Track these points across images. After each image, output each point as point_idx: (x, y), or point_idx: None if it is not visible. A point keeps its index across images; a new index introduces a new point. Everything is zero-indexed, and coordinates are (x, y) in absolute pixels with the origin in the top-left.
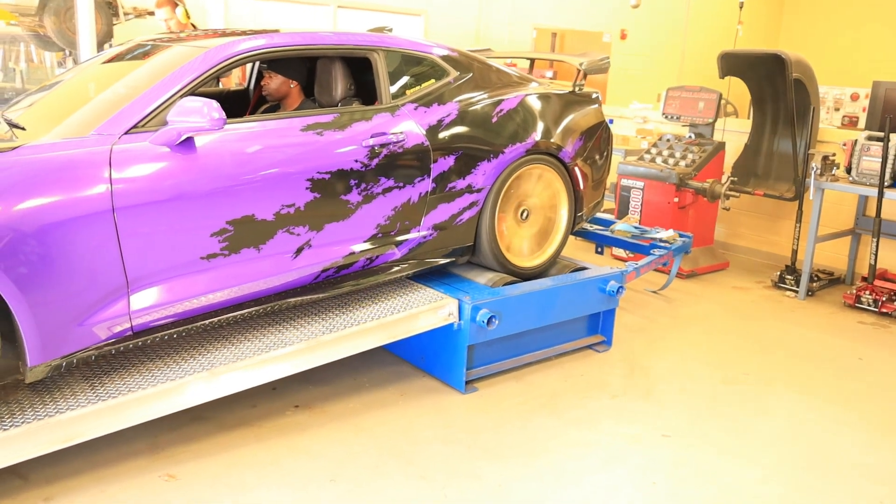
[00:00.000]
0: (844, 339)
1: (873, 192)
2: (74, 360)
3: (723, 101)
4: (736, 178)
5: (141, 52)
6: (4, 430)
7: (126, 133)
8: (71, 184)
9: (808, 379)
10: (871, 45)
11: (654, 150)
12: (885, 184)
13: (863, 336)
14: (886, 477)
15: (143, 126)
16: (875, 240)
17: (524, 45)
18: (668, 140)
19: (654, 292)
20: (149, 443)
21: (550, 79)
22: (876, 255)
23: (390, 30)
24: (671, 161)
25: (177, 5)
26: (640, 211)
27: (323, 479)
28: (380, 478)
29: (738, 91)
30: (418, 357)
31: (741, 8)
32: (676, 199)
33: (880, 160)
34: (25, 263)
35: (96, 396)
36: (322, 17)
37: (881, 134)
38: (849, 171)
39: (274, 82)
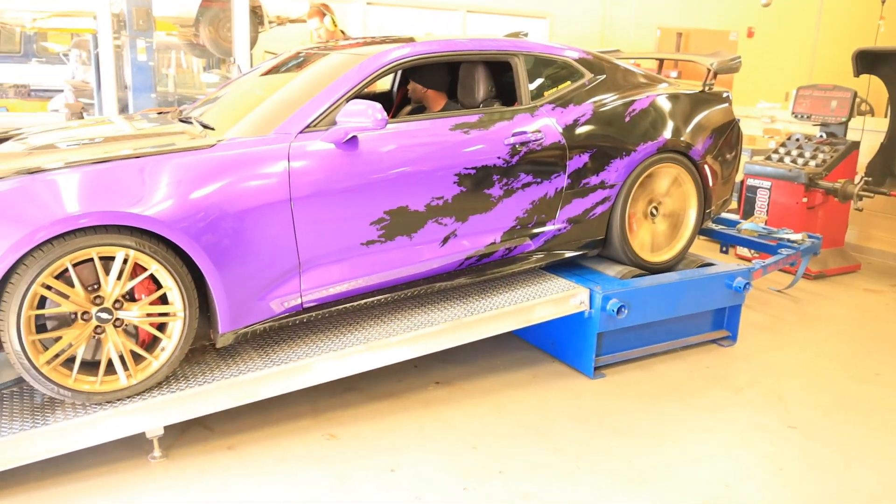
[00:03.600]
0: None
1: None
2: (255, 330)
3: (857, 100)
4: (870, 178)
5: (295, 63)
6: (200, 385)
7: (301, 132)
8: (258, 175)
9: None
10: None
11: (781, 150)
12: None
13: None
14: None
15: (314, 126)
16: None
17: (648, 45)
18: (798, 140)
19: (779, 291)
20: (310, 406)
21: (675, 78)
22: None
23: (526, 34)
24: (800, 161)
25: (325, 15)
26: (767, 211)
27: (465, 447)
28: (517, 447)
29: (875, 89)
30: (549, 343)
31: (884, 2)
32: (805, 200)
33: None
34: (222, 242)
35: (271, 361)
36: (453, 21)
37: None
38: None
39: (420, 88)
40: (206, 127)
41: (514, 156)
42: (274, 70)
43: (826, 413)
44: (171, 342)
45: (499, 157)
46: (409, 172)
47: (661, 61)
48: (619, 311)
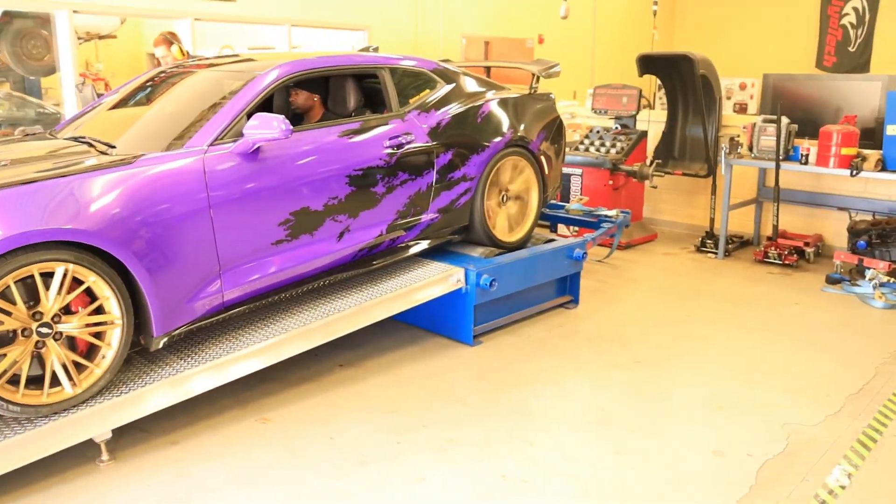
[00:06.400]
0: (759, 285)
1: (771, 164)
2: (184, 332)
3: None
4: (661, 161)
5: (159, 82)
6: (141, 387)
7: (211, 145)
8: (180, 186)
9: (737, 315)
10: (751, 41)
11: (587, 141)
12: (780, 157)
13: (773, 282)
14: (801, 377)
15: (222, 139)
16: (776, 205)
17: (455, 52)
18: (598, 132)
19: (600, 261)
20: (233, 399)
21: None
22: (777, 217)
23: (376, 49)
24: (603, 149)
25: (172, 44)
26: (581, 194)
27: (386, 412)
28: (431, 406)
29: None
30: (428, 321)
31: (655, 15)
32: (611, 182)
33: (775, 138)
34: (153, 251)
35: (201, 359)
36: (278, 35)
37: (774, 117)
38: (751, 149)
39: (301, 97)
40: (108, 146)
41: (393, 157)
42: (142, 89)
43: (659, 349)
44: (111, 349)
45: (380, 159)
46: (308, 176)
47: (489, 69)
48: (491, 284)
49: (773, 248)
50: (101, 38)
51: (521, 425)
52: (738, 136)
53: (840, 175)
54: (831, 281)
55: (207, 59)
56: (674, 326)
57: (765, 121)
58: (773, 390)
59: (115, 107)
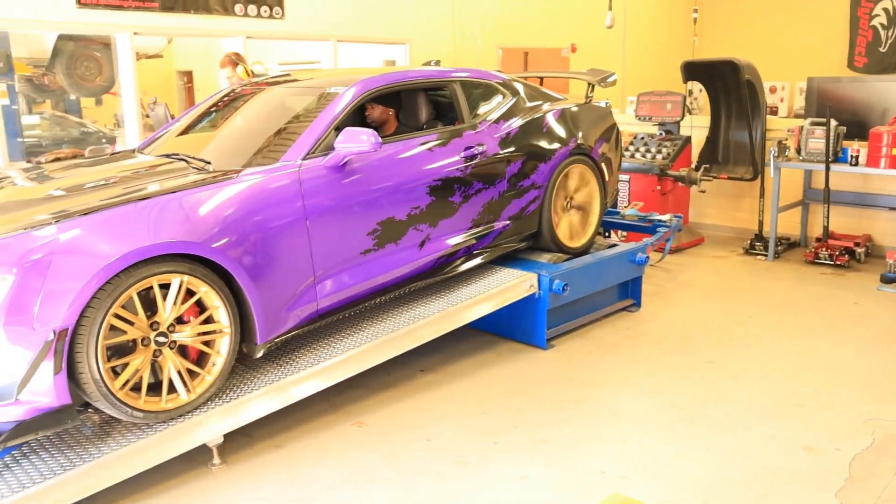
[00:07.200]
0: (814, 286)
1: (820, 167)
2: (282, 339)
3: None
4: (709, 166)
5: (234, 100)
6: (249, 392)
7: (303, 159)
8: (279, 198)
9: (797, 315)
10: (781, 44)
11: (632, 148)
12: (830, 160)
13: (827, 283)
14: (875, 374)
15: (313, 153)
16: (826, 206)
17: (493, 63)
18: (643, 138)
19: (653, 265)
20: (328, 404)
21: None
22: (828, 218)
23: (438, 62)
24: (648, 156)
25: (237, 65)
26: (628, 199)
27: (476, 414)
28: (516, 408)
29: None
30: (500, 327)
31: (695, 23)
32: (659, 187)
33: (824, 141)
34: (257, 261)
35: (298, 367)
36: (324, 50)
37: (822, 120)
38: (798, 151)
39: (377, 111)
40: (204, 162)
41: (468, 167)
42: (216, 108)
43: (727, 349)
44: (221, 357)
45: (457, 169)
46: (392, 187)
47: (542, 79)
48: (564, 288)
49: (823, 249)
50: (148, 57)
51: (609, 425)
52: (786, 139)
53: (891, 175)
54: (887, 280)
55: (271, 77)
56: (737, 327)
57: (812, 123)
58: (847, 387)
59: (191, 125)
